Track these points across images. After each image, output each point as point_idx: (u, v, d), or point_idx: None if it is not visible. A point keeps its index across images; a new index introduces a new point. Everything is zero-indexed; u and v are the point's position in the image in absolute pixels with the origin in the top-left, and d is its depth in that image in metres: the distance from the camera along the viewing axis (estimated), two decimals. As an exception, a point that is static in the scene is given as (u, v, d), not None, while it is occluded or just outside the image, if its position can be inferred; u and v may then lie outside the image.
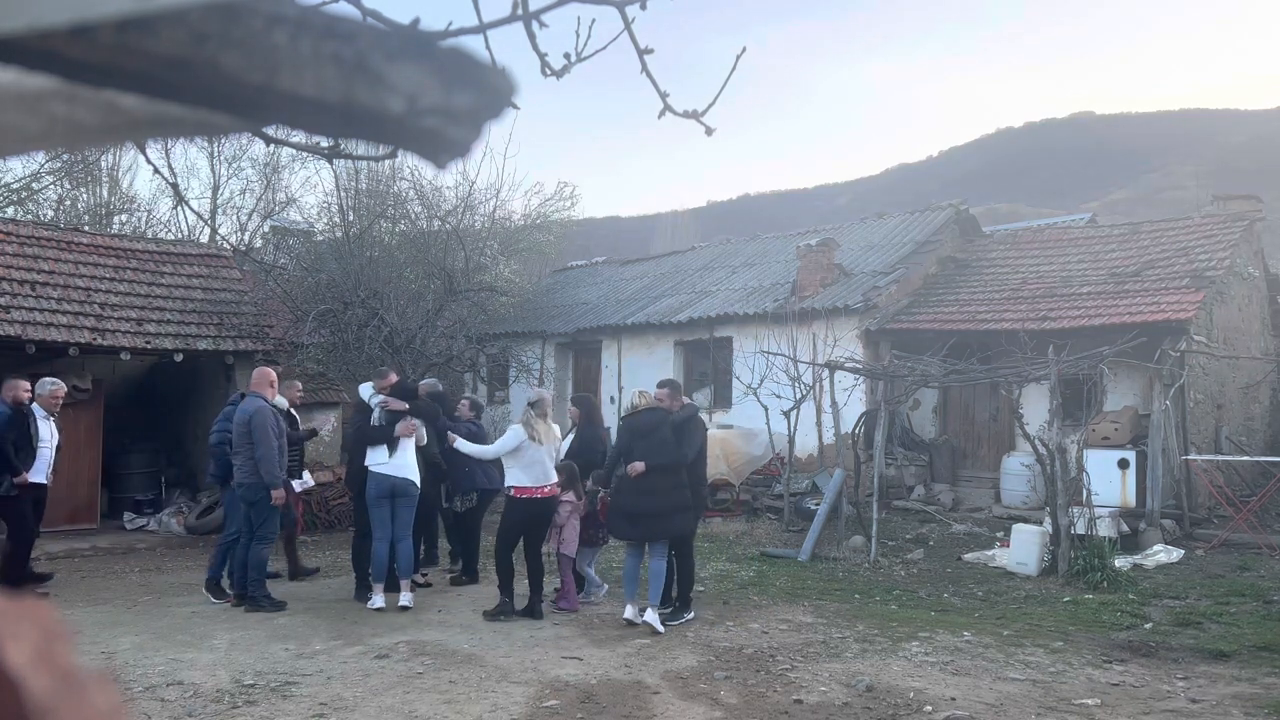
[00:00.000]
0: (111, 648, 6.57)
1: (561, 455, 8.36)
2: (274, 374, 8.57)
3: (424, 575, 8.86)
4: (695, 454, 7.50)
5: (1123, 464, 11.44)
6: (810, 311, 14.34)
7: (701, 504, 8.23)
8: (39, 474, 8.43)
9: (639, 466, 7.20)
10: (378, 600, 7.73)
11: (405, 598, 7.79)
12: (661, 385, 7.81)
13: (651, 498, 7.15)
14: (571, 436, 8.59)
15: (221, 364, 12.42)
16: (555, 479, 7.70)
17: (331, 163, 13.02)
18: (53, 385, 8.81)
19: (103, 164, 22.15)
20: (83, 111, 0.59)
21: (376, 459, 7.87)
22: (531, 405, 7.86)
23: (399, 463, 7.83)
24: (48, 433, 8.57)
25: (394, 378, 8.58)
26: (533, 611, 7.52)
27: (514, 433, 7.63)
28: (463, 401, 9.70)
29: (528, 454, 7.56)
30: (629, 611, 7.27)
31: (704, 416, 14.91)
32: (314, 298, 13.69)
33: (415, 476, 7.92)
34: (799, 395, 12.22)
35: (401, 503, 7.86)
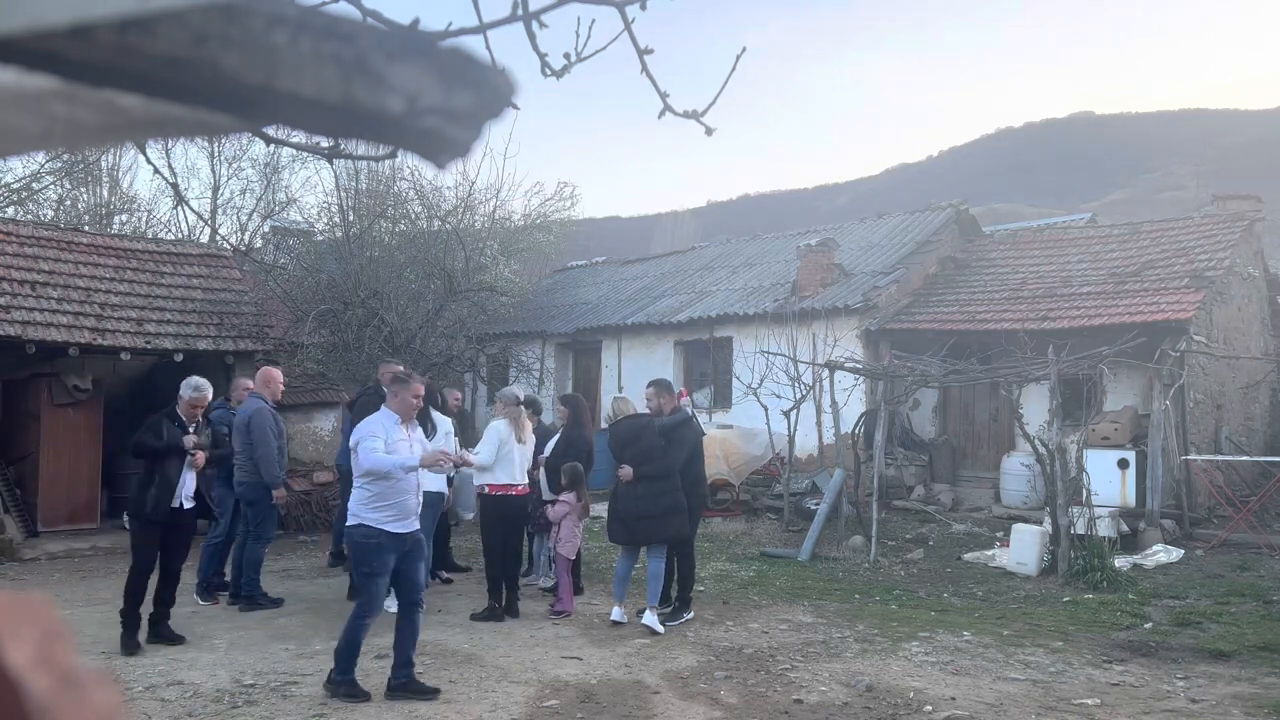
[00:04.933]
0: (111, 648, 6.56)
1: (544, 455, 8.37)
2: (278, 374, 8.54)
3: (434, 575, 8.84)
4: (686, 459, 7.47)
5: (1122, 464, 11.44)
6: (810, 311, 14.34)
7: (701, 504, 8.22)
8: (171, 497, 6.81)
9: (627, 472, 7.24)
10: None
11: None
12: (650, 384, 7.79)
13: (645, 502, 7.15)
14: (557, 436, 8.60)
15: (221, 364, 12.42)
16: (526, 480, 7.74)
17: (331, 163, 13.03)
18: (196, 394, 6.93)
19: (103, 164, 22.17)
20: (83, 111, 0.59)
21: None
22: (527, 404, 7.87)
23: (423, 474, 7.75)
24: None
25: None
26: (511, 610, 7.56)
27: (496, 430, 7.55)
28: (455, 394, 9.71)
29: (508, 452, 7.56)
30: (615, 613, 7.28)
31: (704, 416, 15.06)
32: (314, 298, 13.68)
33: (440, 486, 7.83)
34: (799, 395, 12.22)
35: (425, 510, 7.78)
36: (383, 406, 5.90)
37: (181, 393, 6.90)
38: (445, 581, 8.77)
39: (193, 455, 6.83)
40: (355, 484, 5.68)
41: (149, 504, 6.64)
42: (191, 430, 6.87)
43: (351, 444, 5.74)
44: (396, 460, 5.55)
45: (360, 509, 5.61)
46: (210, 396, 7.10)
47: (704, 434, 8.51)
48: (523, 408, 7.79)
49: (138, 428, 12.76)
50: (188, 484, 6.85)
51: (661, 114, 2.26)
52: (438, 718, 5.24)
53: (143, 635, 6.62)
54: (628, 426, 7.41)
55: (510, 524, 7.66)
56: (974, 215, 17.47)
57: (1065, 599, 8.28)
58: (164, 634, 6.79)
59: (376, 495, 5.59)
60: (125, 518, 11.97)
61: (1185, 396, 12.18)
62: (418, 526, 5.81)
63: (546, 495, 8.18)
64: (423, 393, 5.94)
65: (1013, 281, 14.56)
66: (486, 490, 7.60)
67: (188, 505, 6.85)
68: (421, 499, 5.95)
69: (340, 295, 13.65)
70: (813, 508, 11.56)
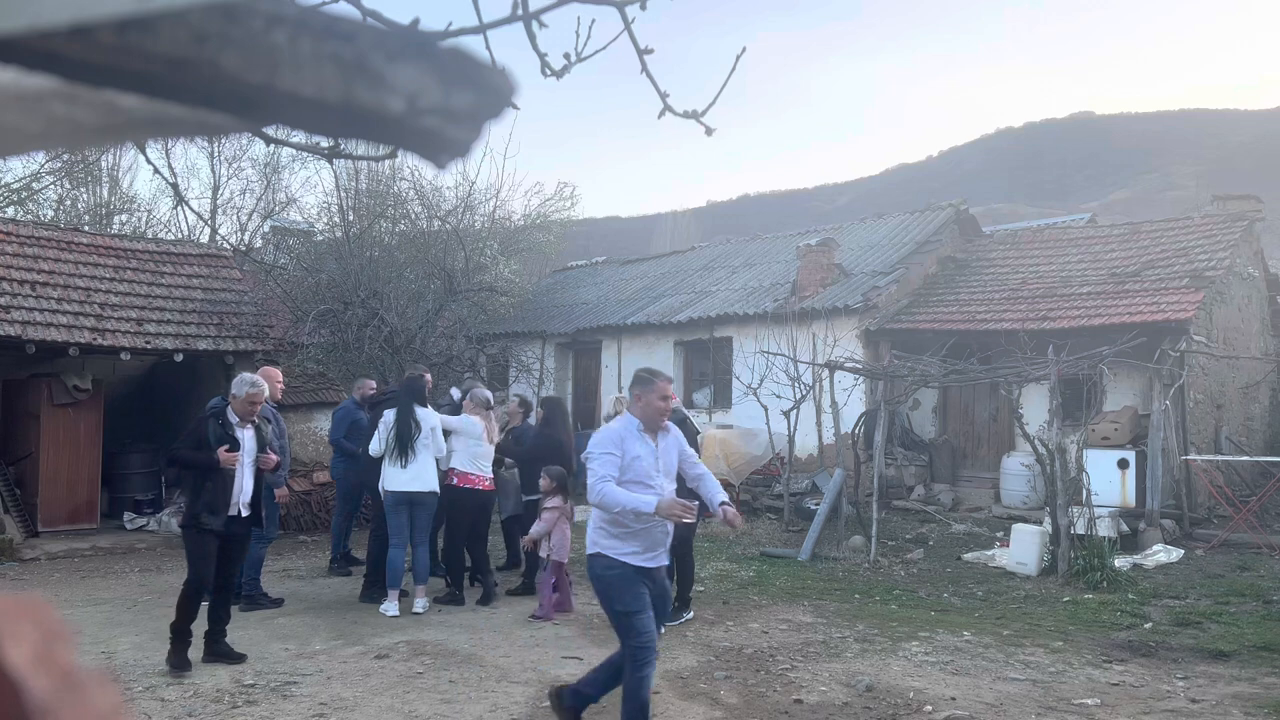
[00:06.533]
0: (111, 648, 6.57)
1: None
2: (277, 373, 8.53)
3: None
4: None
5: (1122, 464, 11.43)
6: (810, 311, 14.33)
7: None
8: (229, 506, 6.19)
9: None
10: (392, 608, 7.63)
11: (420, 604, 7.67)
12: None
13: None
14: (533, 432, 8.94)
15: (221, 364, 12.43)
16: (491, 474, 8.18)
17: (331, 163, 13.04)
18: (253, 389, 6.31)
19: (103, 164, 22.19)
20: (83, 111, 0.59)
21: (390, 473, 7.73)
22: (489, 408, 8.29)
23: (413, 475, 7.68)
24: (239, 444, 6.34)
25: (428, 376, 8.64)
26: (488, 598, 7.96)
27: (473, 423, 8.02)
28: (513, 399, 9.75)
29: (481, 446, 8.00)
30: None
31: (704, 416, 15.07)
32: (314, 298, 13.70)
33: (433, 485, 7.77)
34: (799, 395, 12.22)
35: (420, 511, 7.78)
36: (624, 412, 4.87)
37: (235, 390, 6.26)
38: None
39: (264, 456, 6.38)
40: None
41: (202, 514, 6.04)
42: (250, 429, 6.28)
43: (584, 455, 4.72)
44: (629, 501, 4.42)
45: (597, 535, 4.63)
46: (267, 392, 6.52)
47: (699, 433, 8.56)
48: (491, 411, 8.26)
49: (138, 427, 12.68)
50: (246, 490, 6.24)
51: (661, 114, 2.26)
52: (438, 718, 5.24)
53: (194, 653, 6.15)
54: None
55: (476, 515, 8.08)
56: (974, 215, 17.46)
57: (1065, 599, 8.28)
58: (222, 652, 6.24)
59: (615, 521, 4.56)
60: (125, 517, 12.02)
61: (1185, 396, 12.18)
62: (667, 561, 4.76)
63: (529, 495, 8.41)
64: (671, 391, 4.87)
65: (1013, 281, 14.56)
66: (454, 482, 7.89)
67: (245, 513, 6.27)
68: (666, 525, 4.71)
69: (340, 295, 13.66)
70: (813, 508, 11.56)
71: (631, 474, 4.51)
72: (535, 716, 5.28)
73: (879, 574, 9.59)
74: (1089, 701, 5.49)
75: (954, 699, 5.53)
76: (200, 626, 6.21)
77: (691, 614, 7.54)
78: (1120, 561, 9.30)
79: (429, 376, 8.63)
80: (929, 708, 5.38)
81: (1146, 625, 7.38)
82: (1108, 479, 11.13)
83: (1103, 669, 6.19)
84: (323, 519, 11.96)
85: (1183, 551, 10.16)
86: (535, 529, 7.74)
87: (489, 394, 8.50)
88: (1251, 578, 9.11)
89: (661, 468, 4.67)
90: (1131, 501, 11.30)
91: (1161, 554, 9.96)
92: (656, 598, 4.58)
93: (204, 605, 6.23)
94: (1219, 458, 12.38)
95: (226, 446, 6.13)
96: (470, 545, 8.16)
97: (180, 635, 6.04)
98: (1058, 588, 8.69)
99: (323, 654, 6.50)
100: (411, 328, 13.72)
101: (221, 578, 6.28)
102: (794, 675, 6.02)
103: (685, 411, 8.29)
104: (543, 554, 7.73)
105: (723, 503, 4.77)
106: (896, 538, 11.32)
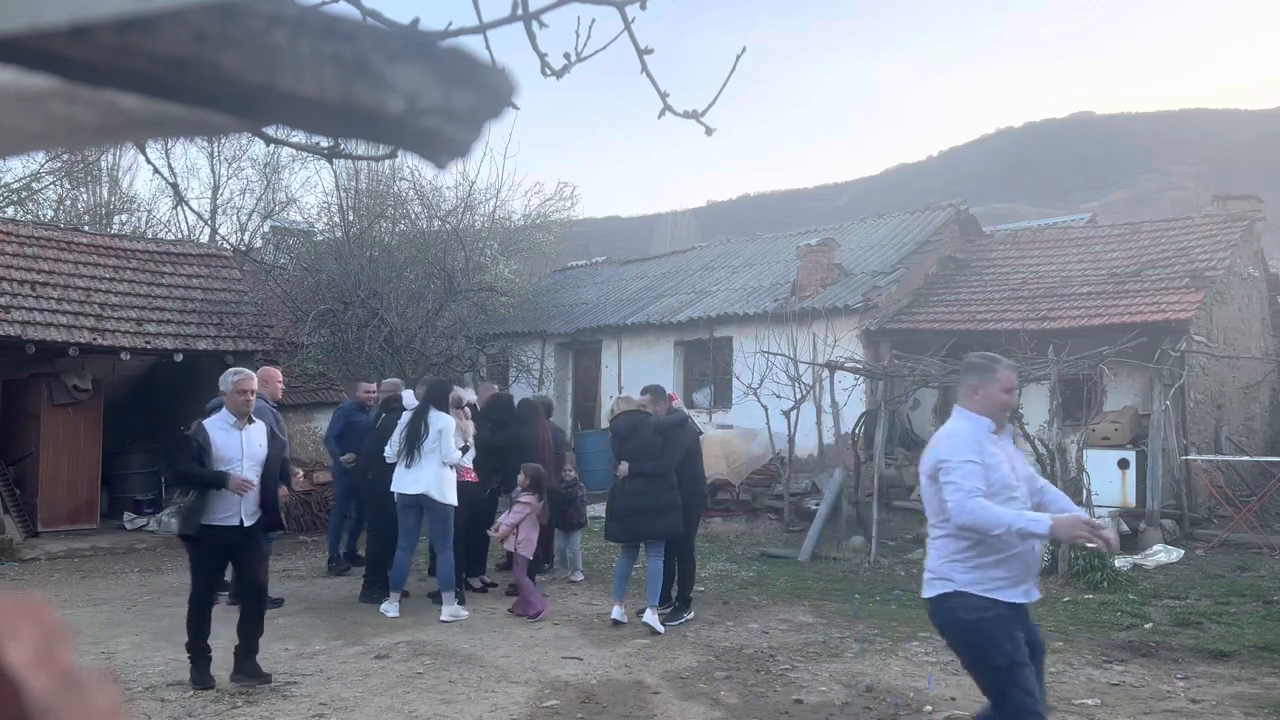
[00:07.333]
0: (111, 648, 6.57)
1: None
2: (277, 373, 8.53)
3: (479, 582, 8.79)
4: (684, 458, 7.51)
5: (1123, 464, 11.43)
6: (810, 311, 14.33)
7: (699, 503, 8.23)
8: (228, 513, 5.74)
9: (624, 468, 7.33)
10: (392, 609, 7.59)
11: (447, 611, 7.47)
12: (644, 391, 7.89)
13: (640, 498, 7.19)
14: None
15: (221, 364, 12.41)
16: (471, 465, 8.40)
17: (331, 163, 13.04)
18: (237, 376, 5.93)
19: (103, 164, 22.20)
20: (83, 111, 0.59)
21: (396, 473, 7.68)
22: (460, 406, 8.46)
23: (414, 477, 7.56)
24: (236, 448, 5.83)
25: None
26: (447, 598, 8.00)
27: (453, 423, 8.18)
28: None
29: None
30: (615, 612, 7.29)
31: (704, 417, 15.06)
32: (314, 298, 13.70)
33: (433, 489, 7.50)
34: (799, 395, 12.22)
35: (432, 515, 7.64)
36: (958, 410, 3.88)
37: (222, 387, 5.91)
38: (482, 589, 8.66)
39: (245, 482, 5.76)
40: (936, 528, 3.80)
41: (181, 522, 5.73)
42: (250, 427, 5.89)
43: (927, 471, 3.77)
44: (1016, 520, 3.47)
45: (949, 568, 3.68)
46: (255, 382, 6.13)
47: (700, 433, 8.58)
48: (464, 411, 8.44)
49: (138, 427, 12.65)
50: (250, 498, 5.82)
51: (661, 114, 2.26)
52: (438, 718, 5.25)
53: (219, 668, 5.85)
54: (625, 421, 7.52)
55: (468, 509, 8.18)
56: (974, 215, 17.46)
57: (1065, 599, 8.27)
58: (249, 671, 5.81)
59: (975, 547, 3.59)
60: (125, 517, 12.02)
61: (1185, 396, 12.17)
62: (1039, 595, 3.80)
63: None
64: (1015, 383, 3.95)
65: (1013, 281, 14.56)
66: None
67: (249, 522, 5.81)
68: (1037, 548, 3.76)
69: (340, 295, 13.67)
70: (813, 508, 11.56)
71: (993, 486, 3.57)
72: (535, 716, 5.28)
73: (879, 574, 9.59)
74: (1089, 701, 5.49)
75: (954, 699, 5.53)
76: (232, 641, 5.87)
77: (692, 614, 7.54)
78: (1120, 562, 9.29)
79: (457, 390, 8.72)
80: (929, 708, 5.38)
81: (1147, 625, 7.38)
82: (1108, 479, 11.13)
83: (1103, 669, 6.18)
84: (322, 519, 11.95)
85: (1183, 551, 10.15)
86: (505, 519, 7.87)
87: (462, 393, 8.63)
88: (1252, 578, 9.11)
89: (1021, 474, 3.77)
90: (1132, 501, 11.30)
91: (1162, 554, 9.96)
92: (1031, 645, 3.61)
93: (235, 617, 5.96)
94: (1219, 458, 12.38)
95: (240, 477, 5.72)
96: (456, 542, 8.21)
97: (196, 652, 5.77)
98: (1058, 588, 8.68)
99: (323, 654, 6.50)
100: (411, 328, 13.72)
101: (244, 584, 6.02)
102: (794, 675, 6.02)
103: (686, 412, 8.29)
104: (508, 548, 7.85)
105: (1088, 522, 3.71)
106: (897, 538, 11.31)
